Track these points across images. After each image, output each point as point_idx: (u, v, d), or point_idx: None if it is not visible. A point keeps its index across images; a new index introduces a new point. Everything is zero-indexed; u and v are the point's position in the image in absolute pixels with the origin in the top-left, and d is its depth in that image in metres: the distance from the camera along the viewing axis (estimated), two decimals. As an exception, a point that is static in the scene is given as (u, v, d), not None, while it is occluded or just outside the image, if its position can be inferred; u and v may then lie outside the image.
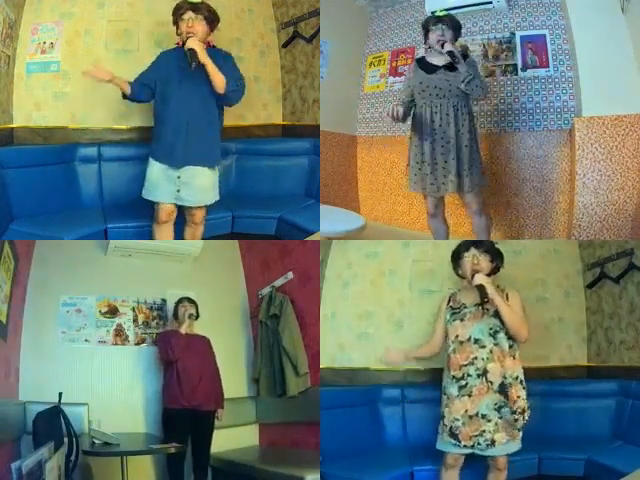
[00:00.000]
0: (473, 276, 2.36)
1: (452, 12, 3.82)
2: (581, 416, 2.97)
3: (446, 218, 3.33)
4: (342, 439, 2.66)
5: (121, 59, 3.47)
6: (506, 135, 3.73)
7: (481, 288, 2.31)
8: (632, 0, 2.95)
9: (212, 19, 2.84)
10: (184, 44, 2.74)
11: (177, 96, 2.82)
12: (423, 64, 3.09)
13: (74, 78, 3.47)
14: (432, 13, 4.00)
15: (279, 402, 3.24)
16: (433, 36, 2.99)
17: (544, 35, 3.61)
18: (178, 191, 2.88)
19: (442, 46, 2.94)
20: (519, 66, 3.69)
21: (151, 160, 2.92)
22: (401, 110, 2.94)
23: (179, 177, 2.86)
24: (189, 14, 2.75)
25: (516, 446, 2.34)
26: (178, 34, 2.83)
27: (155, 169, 2.89)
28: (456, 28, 3.01)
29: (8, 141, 3.30)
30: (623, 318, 3.13)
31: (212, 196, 2.99)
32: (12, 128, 3.35)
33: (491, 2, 3.73)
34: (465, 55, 3.03)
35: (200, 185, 2.91)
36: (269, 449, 3.41)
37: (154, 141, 2.94)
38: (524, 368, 2.31)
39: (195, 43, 2.69)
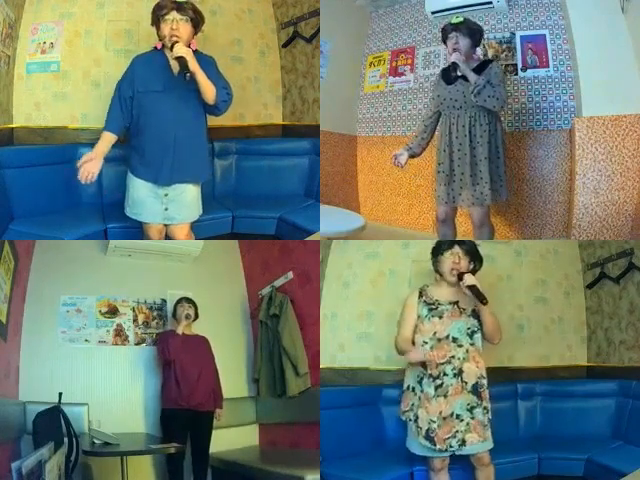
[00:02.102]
0: (460, 276, 2.32)
1: (452, 12, 3.87)
2: (581, 416, 2.97)
3: (455, 224, 3.24)
4: (342, 439, 2.66)
5: (121, 59, 3.46)
6: (506, 135, 3.71)
7: (474, 289, 2.27)
8: (632, 0, 2.95)
9: (198, 21, 2.58)
10: (164, 47, 2.57)
11: (161, 108, 2.58)
12: (445, 75, 3.02)
13: (74, 78, 3.47)
14: (432, 13, 4.06)
15: (279, 402, 3.24)
16: (449, 45, 2.89)
17: (544, 35, 3.61)
18: (166, 209, 2.69)
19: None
20: (519, 66, 3.69)
21: (132, 177, 2.68)
22: (403, 157, 3.13)
23: (166, 194, 2.66)
24: (173, 14, 2.49)
25: (489, 444, 2.32)
26: (159, 36, 2.57)
27: (139, 187, 2.66)
28: (473, 35, 2.89)
29: (8, 141, 3.29)
30: (623, 318, 3.14)
31: (198, 211, 2.81)
32: (12, 128, 3.34)
33: (491, 2, 3.73)
34: (487, 62, 2.93)
35: (189, 200, 2.72)
36: (269, 449, 3.41)
37: (135, 156, 2.67)
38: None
39: (184, 50, 2.44)
